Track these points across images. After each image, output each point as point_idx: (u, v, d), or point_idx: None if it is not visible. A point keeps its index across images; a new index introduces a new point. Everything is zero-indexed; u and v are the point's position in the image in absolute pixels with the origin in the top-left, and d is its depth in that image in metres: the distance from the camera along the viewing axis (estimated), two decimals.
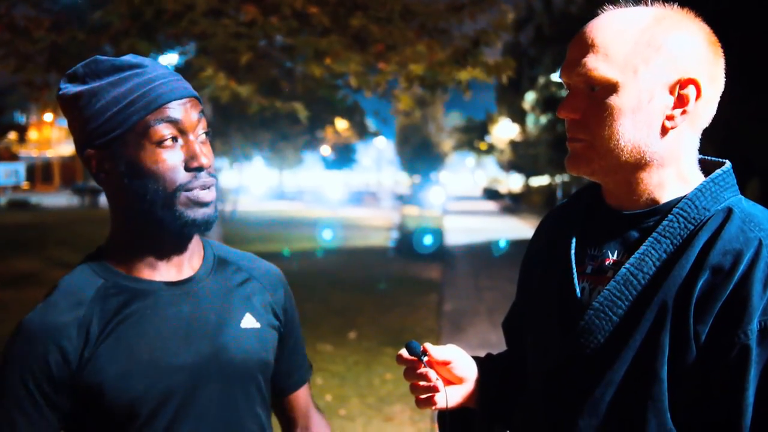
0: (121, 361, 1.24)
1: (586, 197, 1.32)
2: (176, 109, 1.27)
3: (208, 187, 1.29)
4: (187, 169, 1.27)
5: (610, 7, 1.20)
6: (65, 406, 1.25)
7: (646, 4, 1.19)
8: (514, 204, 40.04)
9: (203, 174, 1.28)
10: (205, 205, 1.29)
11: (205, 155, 1.28)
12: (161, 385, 1.26)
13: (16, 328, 1.26)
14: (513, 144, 37.99)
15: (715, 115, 1.21)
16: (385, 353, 6.94)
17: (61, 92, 1.30)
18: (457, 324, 8.68)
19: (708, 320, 1.06)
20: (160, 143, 1.25)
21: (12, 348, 1.24)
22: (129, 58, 1.30)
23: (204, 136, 1.31)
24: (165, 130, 1.25)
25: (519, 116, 34.81)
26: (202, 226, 1.30)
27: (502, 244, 17.72)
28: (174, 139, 1.27)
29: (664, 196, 1.18)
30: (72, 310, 1.26)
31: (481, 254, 16.83)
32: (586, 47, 1.15)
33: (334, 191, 41.81)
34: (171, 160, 1.26)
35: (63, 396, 1.24)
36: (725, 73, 1.19)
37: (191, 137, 1.28)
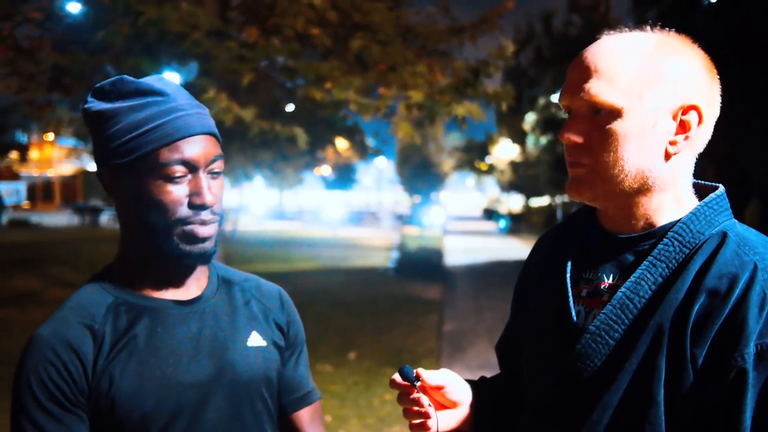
0: (133, 376, 1.26)
1: (581, 220, 1.32)
2: (190, 145, 1.28)
3: (209, 224, 1.30)
4: (191, 205, 1.28)
5: (610, 32, 1.20)
6: (87, 411, 1.25)
7: (644, 29, 1.19)
8: (514, 224, 40.05)
9: (206, 211, 1.30)
10: (201, 240, 1.30)
11: (211, 193, 1.29)
12: (172, 401, 1.27)
13: (28, 342, 1.26)
14: (513, 164, 38.02)
15: (716, 135, 1.22)
16: (385, 374, 6.91)
17: (86, 106, 1.32)
18: (458, 344, 8.65)
19: (705, 343, 1.07)
20: (168, 177, 1.26)
21: (28, 358, 1.24)
22: (154, 82, 1.31)
23: (215, 174, 1.32)
24: (175, 165, 1.26)
25: (519, 137, 34.86)
26: (200, 260, 1.32)
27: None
28: (183, 174, 1.28)
29: (660, 220, 1.19)
30: (84, 325, 1.27)
31: (482, 274, 16.81)
32: (589, 72, 1.15)
33: (335, 211, 41.84)
34: (176, 193, 1.27)
35: (84, 400, 1.24)
36: (724, 93, 1.20)
37: (201, 174, 1.29)
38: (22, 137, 36.37)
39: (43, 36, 8.26)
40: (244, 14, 8.25)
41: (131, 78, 1.32)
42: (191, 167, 1.28)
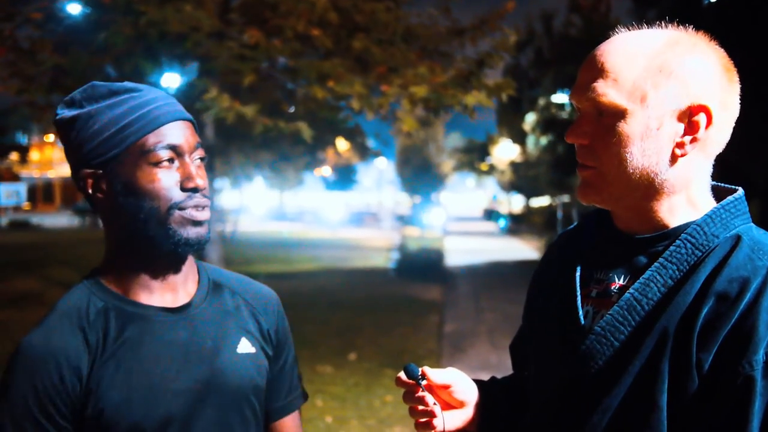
0: (120, 386, 1.24)
1: (596, 220, 1.30)
2: (173, 131, 1.29)
3: (203, 208, 1.31)
4: (183, 189, 1.29)
5: (623, 29, 1.17)
6: (75, 423, 1.23)
7: (661, 26, 1.16)
8: (514, 225, 40.03)
9: (198, 195, 1.30)
10: (198, 224, 1.30)
11: (200, 177, 1.30)
12: (161, 411, 1.26)
13: (17, 350, 1.24)
14: (513, 165, 38.01)
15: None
16: (386, 375, 6.91)
17: (58, 117, 1.31)
18: (458, 345, 8.65)
19: (711, 349, 1.03)
20: (157, 163, 1.27)
21: (19, 368, 1.22)
22: (126, 83, 1.32)
23: (199, 160, 1.33)
24: (162, 151, 1.27)
25: (519, 137, 34.85)
26: (195, 245, 1.31)
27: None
28: (171, 160, 1.28)
29: (673, 222, 1.15)
30: (76, 333, 1.25)
31: (482, 275, 16.79)
32: (597, 71, 1.13)
33: (335, 212, 41.85)
34: (167, 179, 1.27)
35: (77, 414, 1.23)
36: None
37: (187, 159, 1.30)
38: (22, 138, 36.37)
39: (43, 37, 8.26)
40: (244, 15, 8.25)
41: (102, 82, 1.32)
42: (178, 152, 1.29)
